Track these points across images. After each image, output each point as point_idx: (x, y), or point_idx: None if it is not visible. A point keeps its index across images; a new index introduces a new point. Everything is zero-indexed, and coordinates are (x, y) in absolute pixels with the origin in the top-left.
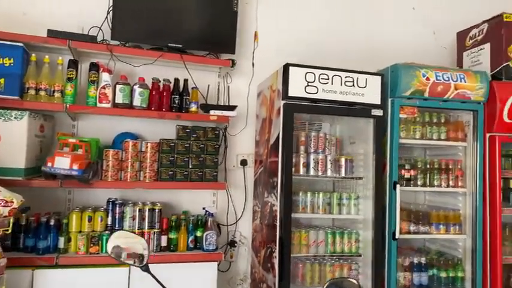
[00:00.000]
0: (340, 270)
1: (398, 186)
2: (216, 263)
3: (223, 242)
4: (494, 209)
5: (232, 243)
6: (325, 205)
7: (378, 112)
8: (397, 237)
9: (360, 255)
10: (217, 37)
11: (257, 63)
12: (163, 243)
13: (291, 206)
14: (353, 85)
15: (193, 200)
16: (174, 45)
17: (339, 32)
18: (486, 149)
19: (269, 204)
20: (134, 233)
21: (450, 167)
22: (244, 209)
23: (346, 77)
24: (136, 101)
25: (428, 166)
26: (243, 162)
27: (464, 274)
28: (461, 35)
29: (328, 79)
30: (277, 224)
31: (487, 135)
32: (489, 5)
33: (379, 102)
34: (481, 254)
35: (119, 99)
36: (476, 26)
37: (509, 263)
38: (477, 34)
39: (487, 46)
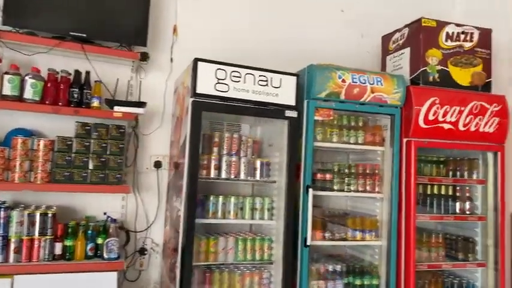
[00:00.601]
0: (251, 279)
1: (311, 190)
2: (115, 273)
3: (133, 249)
4: (409, 214)
5: (142, 251)
6: (238, 210)
7: (292, 113)
8: (308, 243)
9: (272, 263)
10: (128, 28)
11: (177, 59)
12: (58, 251)
13: (195, 210)
14: (267, 85)
15: (99, 204)
16: (77, 34)
17: (266, 31)
18: (403, 154)
19: (176, 209)
20: (22, 239)
21: (368, 171)
22: (157, 214)
23: (259, 76)
24: (28, 94)
25: (346, 170)
26: (157, 164)
27: (379, 281)
28: (386, 39)
29: (240, 77)
30: (180, 230)
31: (404, 140)
32: (418, 8)
33: (293, 104)
34: (395, 260)
35: (7, 90)
36: (399, 30)
37: (427, 270)
38: (399, 38)
39: (407, 51)
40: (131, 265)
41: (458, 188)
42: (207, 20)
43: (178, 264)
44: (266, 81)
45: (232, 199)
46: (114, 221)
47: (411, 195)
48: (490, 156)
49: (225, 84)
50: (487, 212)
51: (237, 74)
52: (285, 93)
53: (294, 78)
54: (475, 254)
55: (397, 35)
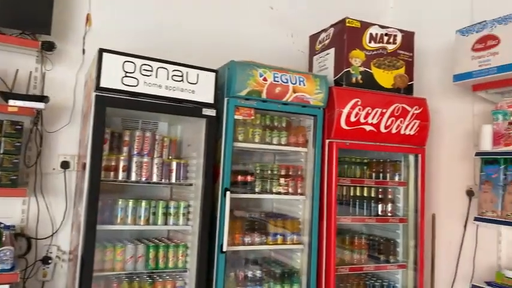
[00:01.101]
0: None
1: (228, 193)
2: (7, 286)
3: (39, 258)
4: (330, 216)
5: (45, 260)
6: (150, 215)
7: (210, 112)
8: (224, 249)
9: (186, 271)
10: (31, 15)
11: (90, 50)
12: None
13: (96, 216)
14: (182, 80)
15: None
16: None
17: (189, 24)
18: (325, 155)
19: (79, 213)
20: None
21: (291, 173)
22: (64, 219)
23: (174, 70)
24: None
25: (268, 172)
26: (64, 165)
27: (299, 286)
28: (313, 39)
29: (151, 71)
30: (80, 237)
31: (326, 141)
32: (350, 7)
33: (212, 101)
34: (315, 263)
35: None
36: (325, 30)
37: (348, 273)
38: (325, 38)
39: (332, 51)
40: (32, 276)
41: (381, 189)
42: (123, 10)
43: (77, 275)
44: (181, 76)
45: (143, 203)
46: (7, 227)
47: (332, 196)
48: (411, 158)
49: (134, 78)
50: (408, 214)
51: (147, 68)
52: (202, 90)
53: (213, 75)
54: (396, 256)
55: (323, 35)
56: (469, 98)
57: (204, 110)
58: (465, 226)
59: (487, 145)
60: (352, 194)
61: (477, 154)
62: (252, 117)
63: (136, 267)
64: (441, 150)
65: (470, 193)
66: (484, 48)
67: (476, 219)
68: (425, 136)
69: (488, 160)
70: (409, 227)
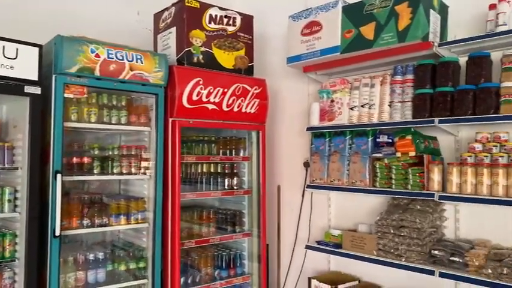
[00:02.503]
0: None
1: (59, 176)
2: None
3: None
4: (174, 193)
5: None
6: None
7: (34, 89)
8: (57, 234)
9: (15, 260)
10: None
11: None
12: None
13: None
14: None
15: None
16: None
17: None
18: (168, 134)
19: None
20: None
21: (133, 152)
22: None
23: None
24: None
25: (109, 153)
26: None
27: (146, 263)
28: (157, 17)
29: None
30: None
31: (169, 120)
32: None
33: (36, 78)
34: (160, 240)
35: None
36: (167, 8)
37: (197, 246)
38: (167, 17)
39: (173, 30)
40: None
41: (227, 165)
42: None
43: None
44: None
45: None
46: None
47: (176, 174)
48: (253, 135)
49: None
50: (252, 186)
51: None
52: (24, 66)
53: (36, 49)
54: (242, 226)
55: (166, 13)
56: (305, 79)
57: (26, 87)
58: (303, 194)
59: (315, 121)
60: (200, 170)
61: (308, 129)
62: (85, 96)
63: None
64: (283, 127)
65: (306, 164)
66: (310, 33)
67: (308, 186)
68: (265, 114)
69: (316, 134)
70: (253, 198)
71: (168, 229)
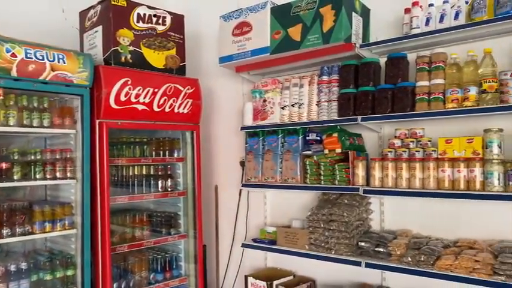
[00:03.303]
0: None
1: None
2: None
3: None
4: (103, 198)
5: None
6: None
7: None
8: None
9: None
10: None
11: None
12: None
13: None
14: None
15: None
16: None
17: None
18: (96, 136)
19: None
20: None
21: (58, 156)
22: None
23: None
24: None
25: (31, 157)
26: None
27: (75, 271)
28: (83, 15)
29: None
30: None
31: (96, 121)
32: None
33: None
34: (89, 246)
35: None
36: (93, 7)
37: (131, 250)
38: (93, 15)
39: (100, 29)
40: None
41: (161, 167)
42: None
43: None
44: None
45: None
46: None
47: (104, 177)
48: (188, 135)
49: None
50: (187, 187)
51: None
52: None
53: None
54: (177, 227)
55: (92, 11)
56: (239, 78)
57: None
58: (240, 194)
59: (248, 120)
60: (132, 173)
61: (242, 128)
62: (1, 97)
63: None
64: (219, 127)
65: (242, 164)
66: (241, 33)
67: (243, 185)
68: (199, 114)
69: (250, 133)
70: (189, 200)
71: (98, 234)
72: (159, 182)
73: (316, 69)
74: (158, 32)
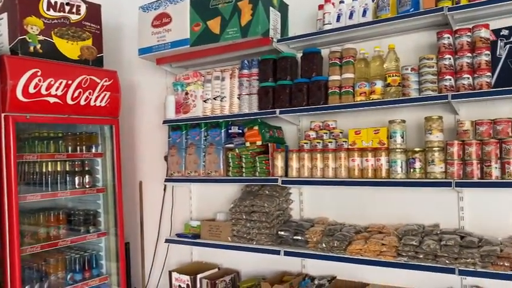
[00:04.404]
0: None
1: None
2: None
3: None
4: (11, 197)
5: None
6: None
7: None
8: None
9: None
10: None
11: None
12: None
13: None
14: None
15: None
16: None
17: None
18: (1, 131)
19: None
20: None
21: None
22: None
23: None
24: None
25: None
26: None
27: None
28: None
29: None
30: None
31: (2, 115)
32: None
33: None
34: None
35: None
36: None
37: (44, 250)
38: None
39: (5, 16)
40: None
41: (78, 162)
42: None
43: None
44: None
45: None
46: None
47: (12, 175)
48: (107, 129)
49: None
50: (107, 183)
51: None
52: None
53: None
54: (97, 225)
55: None
56: (162, 71)
57: None
58: (164, 189)
59: (171, 113)
60: (45, 170)
61: (164, 122)
62: None
63: None
64: (143, 120)
65: (166, 158)
66: (160, 24)
67: (166, 180)
68: (118, 107)
69: (173, 127)
70: (109, 196)
71: (5, 235)
72: (76, 179)
73: (238, 63)
74: (72, 21)
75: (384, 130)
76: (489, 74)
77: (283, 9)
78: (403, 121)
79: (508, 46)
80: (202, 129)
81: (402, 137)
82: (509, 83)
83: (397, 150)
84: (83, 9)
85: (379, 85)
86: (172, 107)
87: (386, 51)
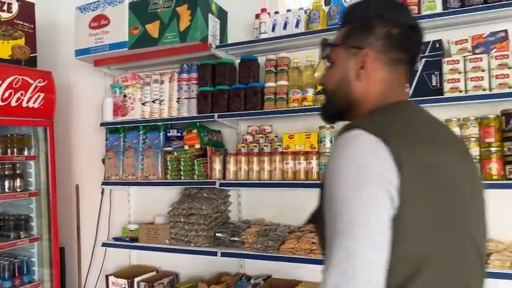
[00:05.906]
0: None
1: None
2: None
3: None
4: None
5: None
6: None
7: None
8: None
9: None
10: None
11: None
12: None
13: None
14: None
15: None
16: None
17: None
18: None
19: None
20: None
21: None
22: None
23: None
24: None
25: None
26: None
27: None
28: None
29: None
30: None
31: None
32: None
33: None
34: None
35: None
36: None
37: None
38: None
39: None
40: None
41: (8, 165)
42: None
43: None
44: None
45: None
46: None
47: None
48: (40, 132)
49: None
50: (41, 187)
51: None
52: None
53: None
54: (29, 230)
55: None
56: (101, 73)
57: None
58: (102, 192)
59: (108, 116)
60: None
61: (101, 124)
62: None
63: None
64: (80, 123)
65: (104, 161)
66: (98, 26)
67: (103, 183)
68: (52, 109)
69: (111, 130)
70: (42, 200)
71: None
72: (6, 183)
73: (177, 67)
74: (3, 19)
75: (315, 135)
76: (407, 85)
77: (223, 16)
78: (332, 127)
79: (423, 60)
80: (141, 132)
81: (331, 142)
82: (425, 94)
83: (326, 154)
84: (15, 7)
85: (310, 93)
86: (110, 109)
87: (317, 61)
